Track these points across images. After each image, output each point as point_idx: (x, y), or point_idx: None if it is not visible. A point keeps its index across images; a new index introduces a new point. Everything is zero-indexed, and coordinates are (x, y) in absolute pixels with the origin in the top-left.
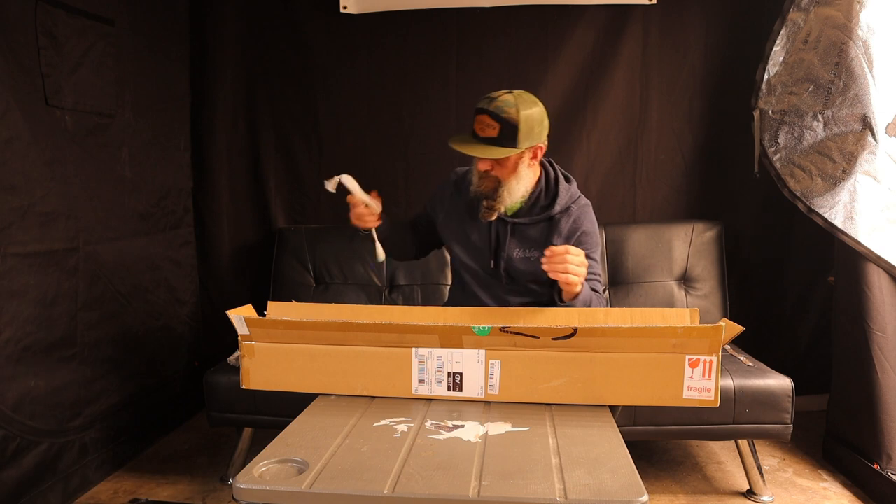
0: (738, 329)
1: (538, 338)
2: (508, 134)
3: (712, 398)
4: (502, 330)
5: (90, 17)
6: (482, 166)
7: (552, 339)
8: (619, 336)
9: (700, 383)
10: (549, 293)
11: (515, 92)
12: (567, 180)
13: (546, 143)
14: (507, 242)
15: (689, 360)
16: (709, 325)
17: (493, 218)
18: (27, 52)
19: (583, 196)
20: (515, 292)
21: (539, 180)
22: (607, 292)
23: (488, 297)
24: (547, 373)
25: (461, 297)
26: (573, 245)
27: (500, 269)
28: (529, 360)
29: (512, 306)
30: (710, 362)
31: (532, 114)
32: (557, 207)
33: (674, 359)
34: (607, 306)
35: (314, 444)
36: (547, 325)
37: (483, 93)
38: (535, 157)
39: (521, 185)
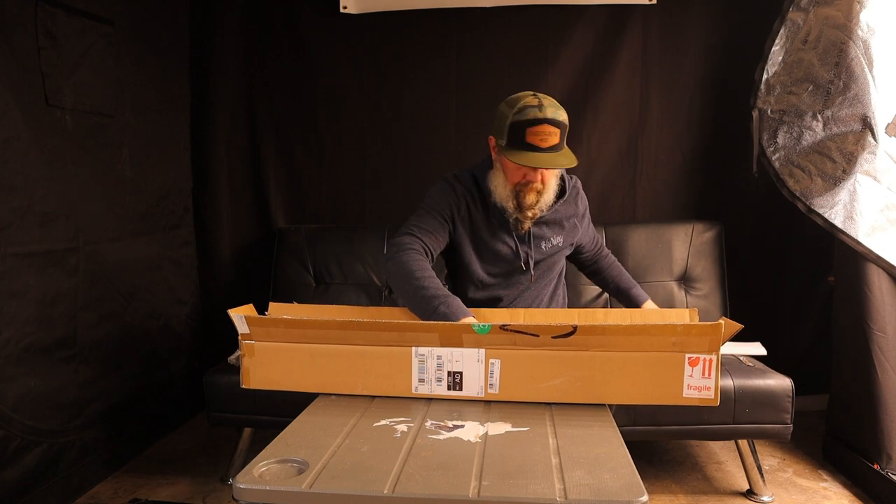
0: (737, 327)
1: (538, 336)
2: (563, 136)
3: (712, 397)
4: (502, 328)
5: (90, 17)
6: (537, 177)
7: (552, 337)
8: (619, 334)
9: (700, 382)
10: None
11: (538, 94)
12: None
13: None
14: (534, 242)
15: (689, 358)
16: (708, 322)
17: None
18: (27, 52)
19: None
20: (541, 284)
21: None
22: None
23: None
24: (547, 372)
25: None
26: (585, 219)
27: (530, 269)
28: (529, 359)
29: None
30: (710, 361)
31: None
32: (569, 192)
33: (673, 357)
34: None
35: (314, 444)
36: (546, 324)
37: (483, 93)
38: None
39: (556, 183)
